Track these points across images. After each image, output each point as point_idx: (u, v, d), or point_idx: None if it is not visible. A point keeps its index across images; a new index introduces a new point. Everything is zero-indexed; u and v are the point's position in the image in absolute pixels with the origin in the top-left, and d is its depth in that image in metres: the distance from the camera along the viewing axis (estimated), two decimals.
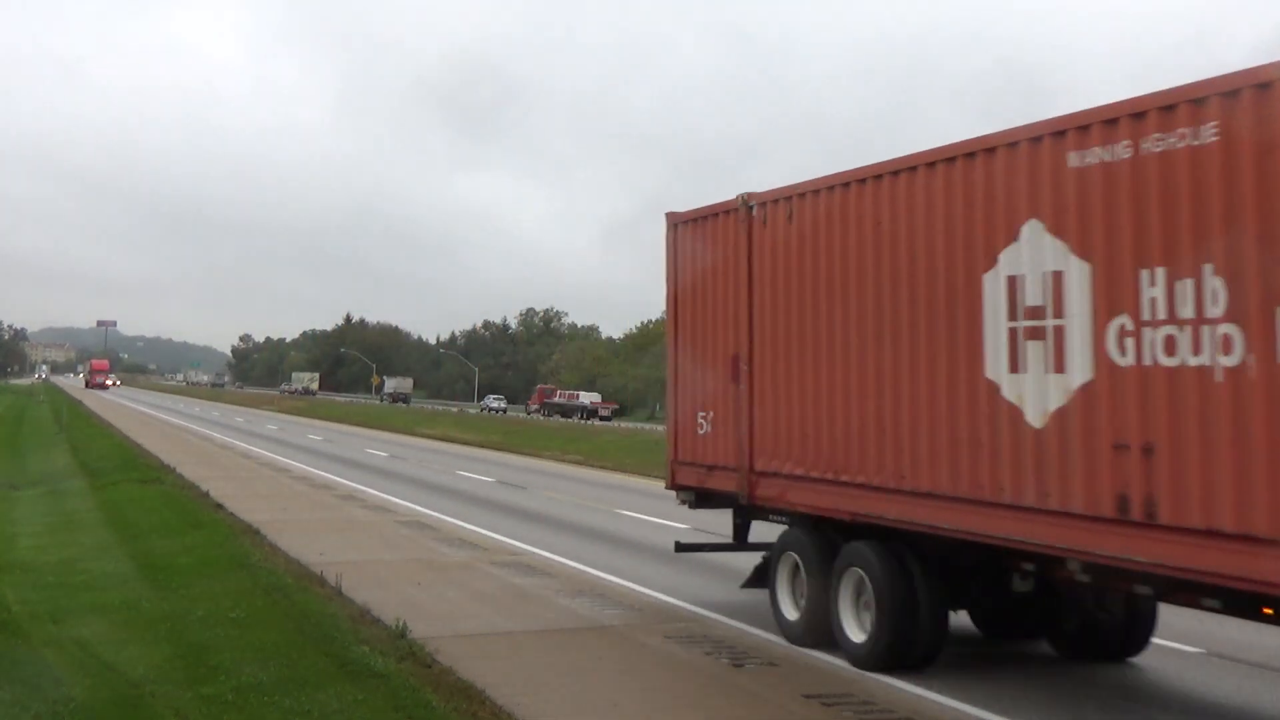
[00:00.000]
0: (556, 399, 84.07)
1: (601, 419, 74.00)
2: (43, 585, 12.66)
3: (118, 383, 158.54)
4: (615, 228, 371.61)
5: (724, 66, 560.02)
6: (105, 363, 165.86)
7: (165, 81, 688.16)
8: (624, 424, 69.53)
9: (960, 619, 9.81)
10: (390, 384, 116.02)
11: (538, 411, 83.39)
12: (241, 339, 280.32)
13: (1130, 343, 7.08)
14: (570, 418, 73.70)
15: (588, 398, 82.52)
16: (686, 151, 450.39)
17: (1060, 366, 7.57)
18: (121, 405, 77.88)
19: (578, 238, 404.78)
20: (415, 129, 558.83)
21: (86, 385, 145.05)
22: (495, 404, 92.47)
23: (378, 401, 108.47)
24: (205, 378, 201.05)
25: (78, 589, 12.38)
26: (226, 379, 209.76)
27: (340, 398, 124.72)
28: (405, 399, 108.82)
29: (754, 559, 11.44)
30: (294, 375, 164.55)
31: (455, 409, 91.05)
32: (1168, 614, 12.62)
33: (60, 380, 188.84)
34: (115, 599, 11.64)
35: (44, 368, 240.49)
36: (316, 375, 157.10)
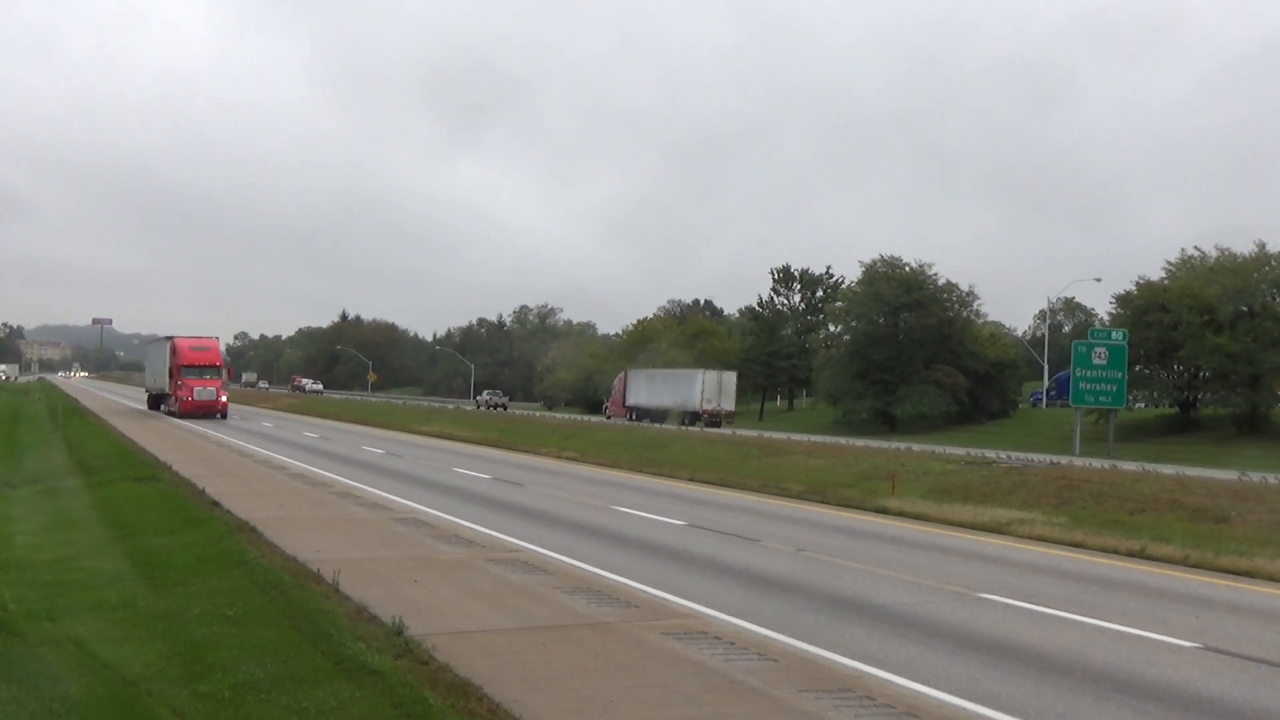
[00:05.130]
0: (299, 384, 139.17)
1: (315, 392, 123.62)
2: (39, 583, 12.66)
3: (224, 399, 58.57)
4: (613, 224, 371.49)
5: (727, 44, 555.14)
6: (213, 344, 61.82)
7: (152, 75, 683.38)
8: (621, 421, 69.61)
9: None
10: (245, 376, 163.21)
11: (291, 390, 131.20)
12: (237, 337, 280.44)
13: None
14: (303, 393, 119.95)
15: (305, 381, 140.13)
16: (688, 135, 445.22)
17: None
18: (118, 403, 77.76)
19: (575, 234, 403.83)
20: (409, 119, 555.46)
21: (158, 404, 63.12)
22: (312, 386, 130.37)
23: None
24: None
25: (74, 587, 12.38)
26: None
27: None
28: (254, 384, 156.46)
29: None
30: None
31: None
32: (1165, 610, 12.68)
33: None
34: (112, 597, 11.64)
35: (3, 370, 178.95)
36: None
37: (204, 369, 57.33)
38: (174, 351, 57.99)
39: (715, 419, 66.73)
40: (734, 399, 71.26)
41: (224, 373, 61.71)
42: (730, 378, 71.76)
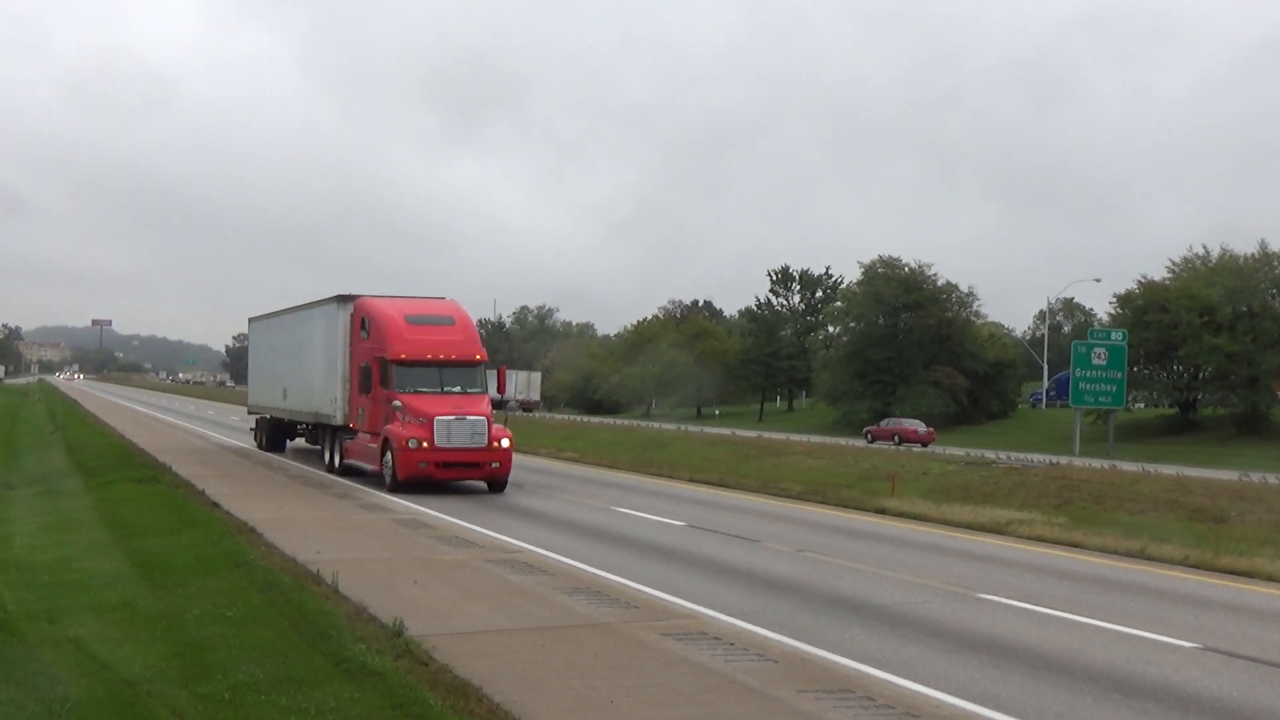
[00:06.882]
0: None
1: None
2: (38, 584, 12.65)
3: (506, 444, 23.15)
4: (612, 223, 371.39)
5: (728, 42, 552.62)
6: (459, 311, 25.73)
7: (145, 69, 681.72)
8: (620, 421, 69.69)
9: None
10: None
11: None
12: (236, 337, 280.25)
13: None
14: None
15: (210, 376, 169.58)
16: (687, 133, 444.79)
17: None
18: (116, 404, 77.74)
19: (574, 233, 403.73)
20: (408, 117, 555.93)
21: (283, 442, 32.31)
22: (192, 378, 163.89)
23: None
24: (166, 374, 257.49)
25: (73, 588, 12.38)
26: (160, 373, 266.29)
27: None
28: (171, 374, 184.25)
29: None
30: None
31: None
32: (1165, 610, 12.69)
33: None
34: (111, 598, 11.63)
35: None
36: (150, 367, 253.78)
37: (445, 368, 23.97)
38: (370, 327, 25.10)
39: (528, 406, 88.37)
40: (539, 391, 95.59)
41: (490, 381, 25.25)
42: (536, 376, 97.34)
